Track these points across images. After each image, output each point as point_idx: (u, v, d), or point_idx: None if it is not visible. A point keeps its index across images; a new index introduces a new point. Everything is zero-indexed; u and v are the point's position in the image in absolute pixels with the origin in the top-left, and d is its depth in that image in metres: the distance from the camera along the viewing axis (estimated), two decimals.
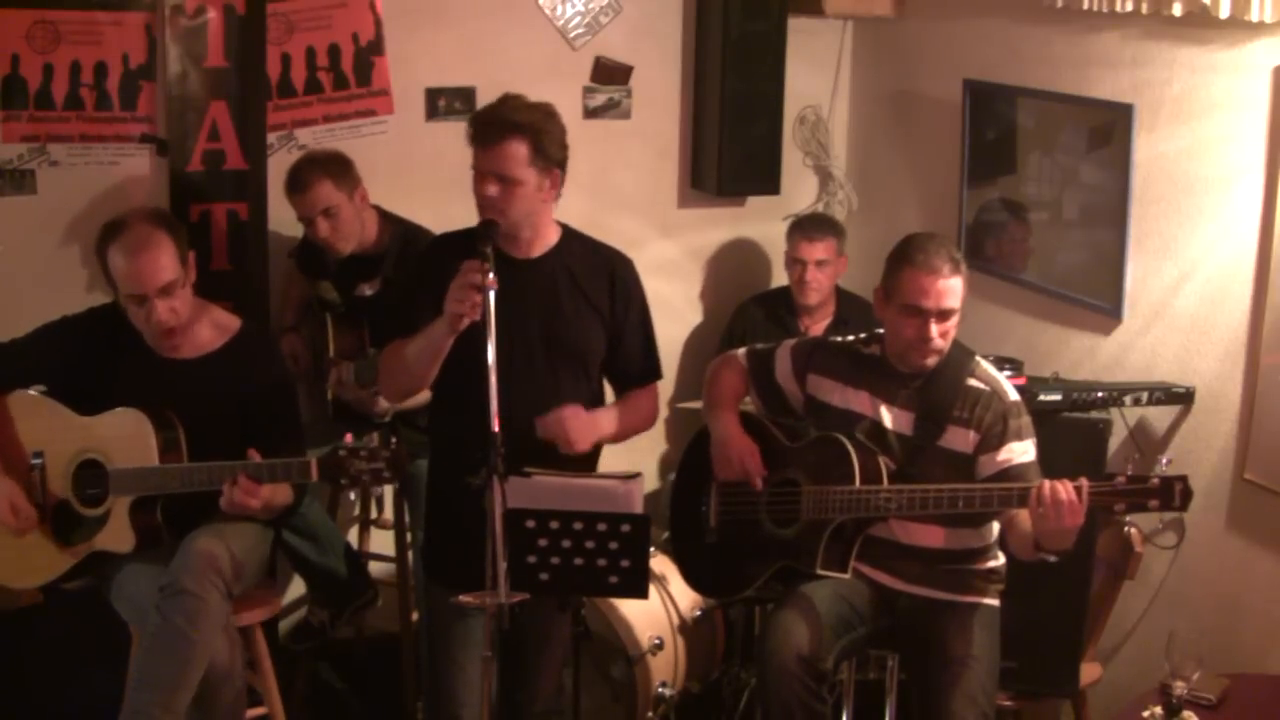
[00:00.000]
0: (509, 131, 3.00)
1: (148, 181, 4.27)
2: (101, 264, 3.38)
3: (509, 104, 3.07)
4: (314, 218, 4.03)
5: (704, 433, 3.49)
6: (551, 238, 3.18)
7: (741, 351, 3.51)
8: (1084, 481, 2.88)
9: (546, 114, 3.08)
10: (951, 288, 3.12)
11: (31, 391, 3.47)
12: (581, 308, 3.17)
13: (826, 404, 3.31)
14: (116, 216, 3.43)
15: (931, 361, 3.20)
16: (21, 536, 3.38)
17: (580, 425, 3.07)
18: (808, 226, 4.60)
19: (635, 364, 3.29)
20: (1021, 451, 3.14)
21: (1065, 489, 2.85)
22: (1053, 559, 3.05)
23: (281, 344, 4.13)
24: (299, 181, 4.04)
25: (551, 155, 3.05)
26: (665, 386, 4.94)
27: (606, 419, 3.19)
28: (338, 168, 4.04)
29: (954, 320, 3.16)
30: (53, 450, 3.40)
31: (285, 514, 3.67)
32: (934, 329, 3.13)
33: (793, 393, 3.39)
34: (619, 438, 3.25)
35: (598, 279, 3.20)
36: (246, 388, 3.43)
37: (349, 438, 3.15)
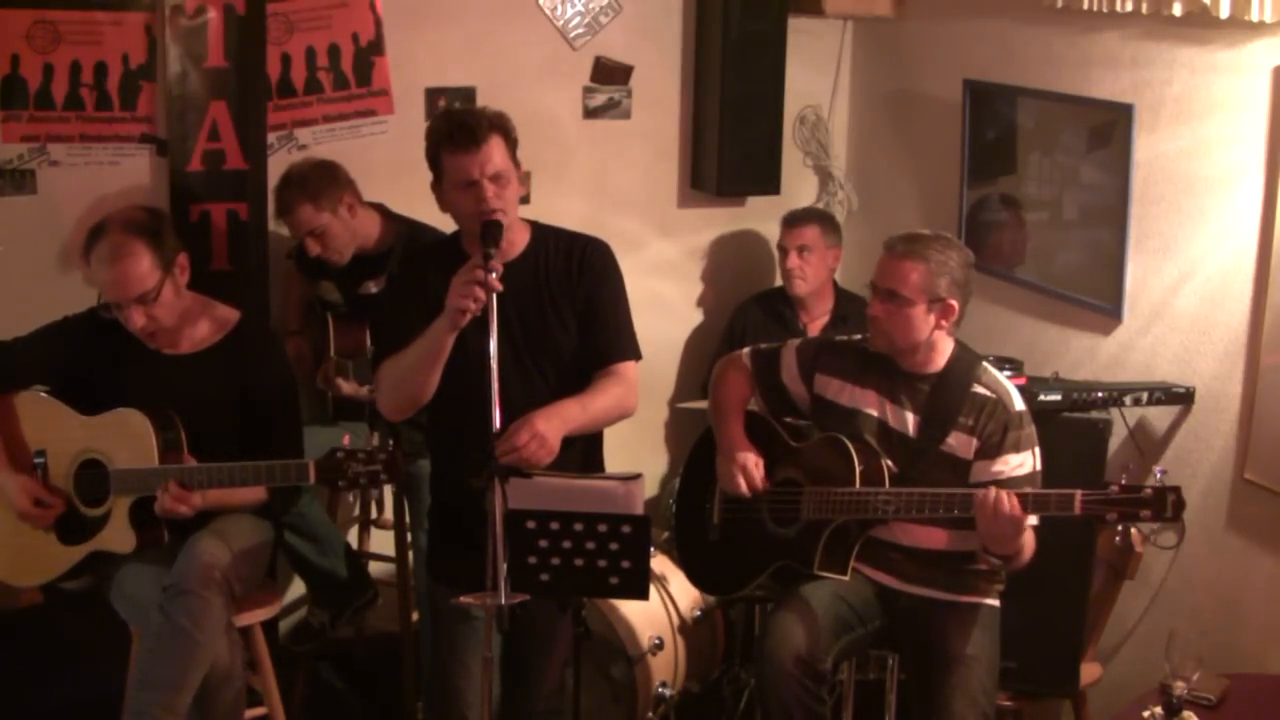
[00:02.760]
0: (490, 129, 2.97)
1: (148, 181, 4.27)
2: (86, 269, 3.39)
3: (463, 110, 3.03)
4: (303, 238, 4.04)
5: (710, 432, 3.49)
6: (524, 237, 3.13)
7: (745, 352, 3.51)
8: (1078, 492, 2.89)
9: (496, 109, 3.07)
10: (897, 269, 3.14)
11: (34, 391, 3.47)
12: (559, 305, 3.10)
13: (834, 403, 3.32)
14: (100, 221, 3.42)
15: (880, 344, 3.21)
16: (41, 527, 3.38)
17: (539, 441, 2.92)
18: (794, 215, 4.64)
19: (603, 342, 3.12)
20: (1017, 464, 3.14)
21: (1005, 501, 2.93)
22: (996, 561, 3.14)
23: (286, 347, 4.13)
24: (280, 207, 4.06)
25: (516, 149, 3.05)
26: (665, 386, 4.99)
27: (569, 408, 3.01)
28: (318, 186, 3.99)
29: (906, 313, 3.15)
30: (55, 450, 3.40)
31: (282, 511, 3.68)
32: (875, 306, 3.19)
33: (799, 393, 3.39)
34: (593, 423, 3.10)
35: (566, 268, 3.12)
36: (246, 379, 3.44)
37: (347, 439, 3.15)
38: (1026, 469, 3.14)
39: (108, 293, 3.34)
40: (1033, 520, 3.07)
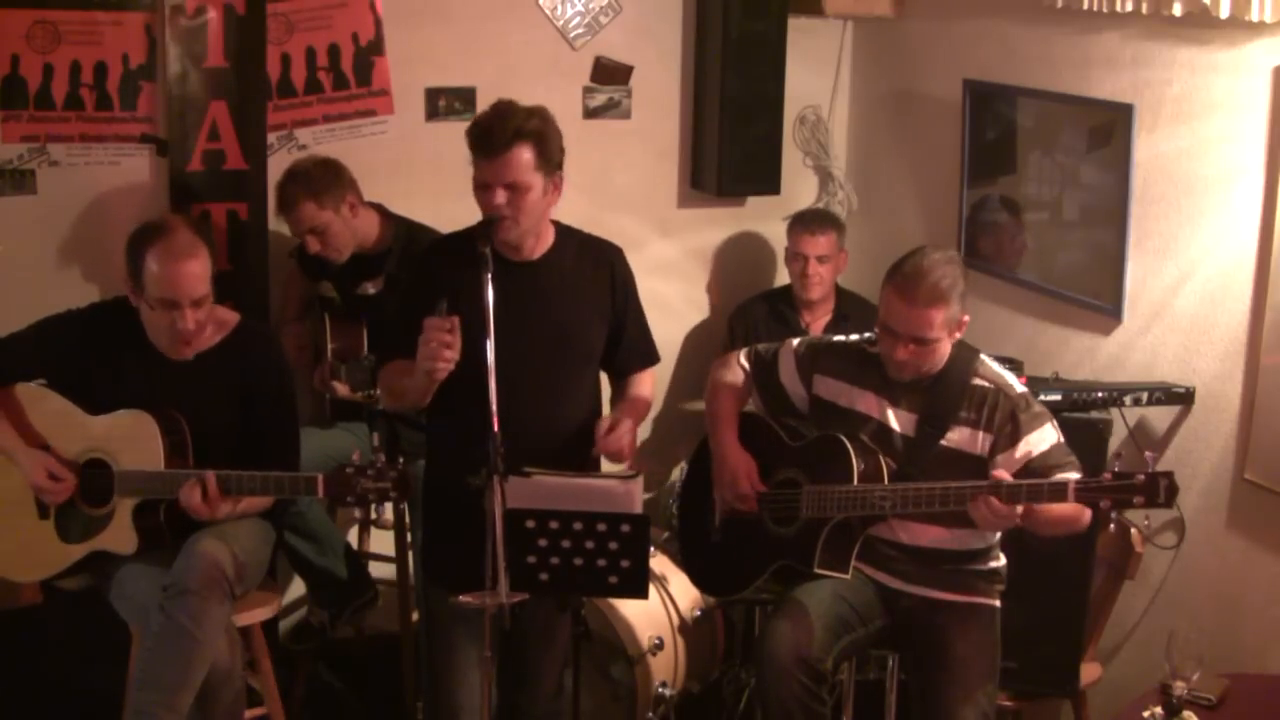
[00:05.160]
0: (515, 139, 2.99)
1: (148, 181, 4.27)
2: (133, 262, 3.33)
3: (508, 111, 3.05)
4: (304, 235, 4.05)
5: None
6: (549, 238, 3.19)
7: (742, 352, 3.51)
8: (1071, 480, 2.89)
9: (545, 118, 3.08)
10: (923, 318, 3.08)
11: (40, 387, 3.46)
12: (582, 306, 3.19)
13: (833, 404, 3.31)
14: (154, 220, 3.43)
15: (908, 376, 3.19)
16: (56, 502, 3.37)
17: (632, 438, 3.14)
18: (809, 220, 4.61)
19: (636, 351, 3.34)
20: (1038, 441, 3.12)
21: (985, 505, 2.95)
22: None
23: (283, 337, 4.13)
24: (282, 203, 4.07)
25: (554, 159, 3.07)
26: (665, 387, 4.98)
27: (633, 419, 3.23)
28: (322, 183, 4.01)
29: (933, 348, 3.13)
30: (59, 446, 3.40)
31: (282, 511, 3.67)
32: (902, 351, 3.13)
33: (797, 394, 3.39)
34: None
35: (596, 275, 3.22)
36: (246, 381, 3.44)
37: (356, 455, 3.15)
38: (1049, 442, 3.12)
39: (168, 289, 3.28)
40: (1074, 475, 3.01)
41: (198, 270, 3.31)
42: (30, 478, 3.35)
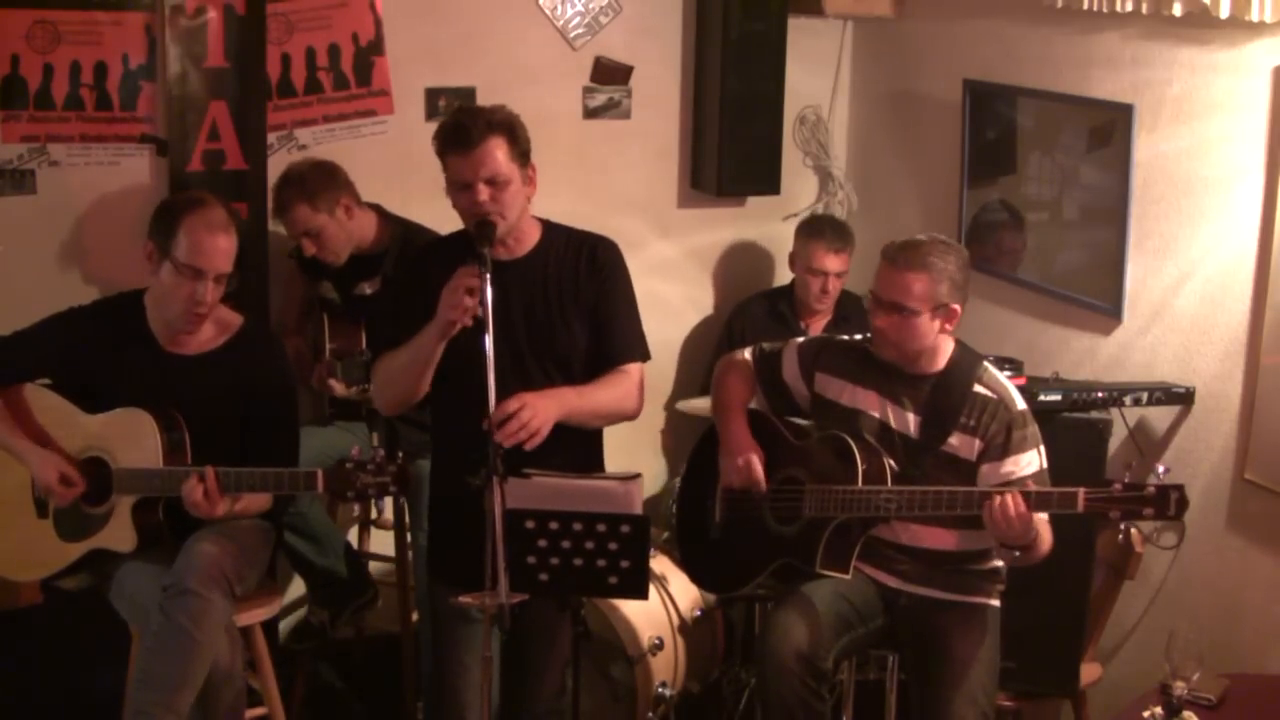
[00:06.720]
0: (488, 130, 2.98)
1: (148, 181, 4.27)
2: (164, 226, 3.33)
3: (473, 108, 3.05)
4: (299, 238, 4.05)
5: (713, 430, 3.49)
6: (534, 235, 3.15)
7: (747, 351, 3.51)
8: (1081, 490, 2.89)
9: (508, 111, 3.07)
10: (902, 281, 3.13)
11: (38, 386, 3.46)
12: (565, 306, 3.11)
13: (834, 403, 3.32)
14: (190, 193, 3.46)
15: (888, 354, 3.21)
16: (63, 504, 3.37)
17: (531, 410, 2.90)
18: (830, 237, 4.55)
19: (614, 344, 3.14)
20: (1026, 463, 3.14)
21: (1012, 505, 2.92)
22: (1015, 554, 3.10)
23: (286, 346, 4.13)
24: (277, 206, 4.08)
25: (525, 149, 3.05)
26: (664, 387, 4.98)
27: (565, 392, 3.04)
28: (316, 186, 4.01)
29: (912, 322, 3.14)
30: (57, 445, 3.40)
31: (282, 511, 3.68)
32: (881, 319, 3.18)
33: (799, 392, 3.39)
34: (592, 413, 3.11)
35: (576, 268, 3.14)
36: (248, 383, 3.44)
37: (356, 451, 3.15)
38: (1034, 467, 3.15)
39: (199, 258, 3.29)
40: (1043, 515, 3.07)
41: (228, 247, 3.34)
42: (41, 478, 3.35)
